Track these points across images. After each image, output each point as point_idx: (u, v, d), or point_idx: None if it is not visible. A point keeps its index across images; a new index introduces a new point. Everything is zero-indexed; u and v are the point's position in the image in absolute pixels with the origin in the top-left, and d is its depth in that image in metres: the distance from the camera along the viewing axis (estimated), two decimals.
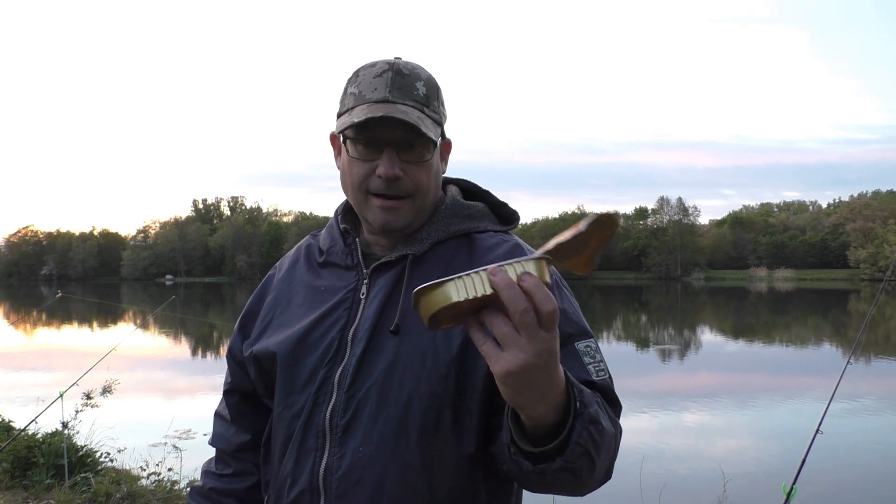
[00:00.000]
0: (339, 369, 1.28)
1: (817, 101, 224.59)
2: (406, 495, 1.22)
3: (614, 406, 1.23)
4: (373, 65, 1.31)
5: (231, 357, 1.51)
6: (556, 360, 0.94)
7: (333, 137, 1.38)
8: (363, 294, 1.33)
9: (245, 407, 1.51)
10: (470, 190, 1.48)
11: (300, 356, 1.32)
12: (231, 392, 1.53)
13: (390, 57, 1.34)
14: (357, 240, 1.39)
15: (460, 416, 1.24)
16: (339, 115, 1.33)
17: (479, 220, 1.41)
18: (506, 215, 1.47)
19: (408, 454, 1.22)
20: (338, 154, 1.37)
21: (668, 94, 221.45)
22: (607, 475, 1.17)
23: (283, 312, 1.41)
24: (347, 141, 1.30)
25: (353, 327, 1.30)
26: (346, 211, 1.45)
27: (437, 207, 1.39)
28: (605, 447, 1.08)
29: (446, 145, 1.40)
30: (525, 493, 1.40)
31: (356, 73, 1.32)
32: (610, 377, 1.26)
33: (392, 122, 1.23)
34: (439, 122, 1.32)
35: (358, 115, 1.25)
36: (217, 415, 1.57)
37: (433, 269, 1.31)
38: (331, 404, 1.27)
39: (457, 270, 1.27)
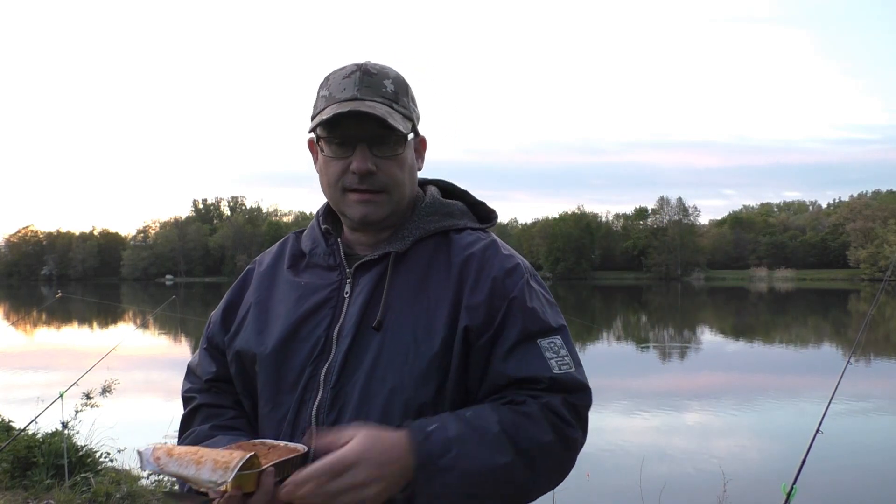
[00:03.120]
0: (325, 367, 1.30)
1: (819, 101, 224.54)
2: None
3: (581, 390, 1.30)
4: (342, 68, 1.37)
5: (213, 346, 1.50)
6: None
7: (311, 144, 1.42)
8: (347, 293, 1.36)
9: (230, 390, 1.48)
10: (449, 190, 1.53)
11: (287, 356, 1.34)
12: (215, 381, 1.48)
13: (361, 60, 1.38)
14: (339, 240, 1.42)
15: (440, 410, 1.27)
16: (311, 119, 1.37)
17: (459, 217, 1.45)
18: (484, 214, 1.51)
19: None
20: (315, 158, 1.42)
21: (670, 94, 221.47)
22: (545, 483, 1.27)
23: (264, 308, 1.43)
24: (322, 141, 1.34)
25: (339, 325, 1.33)
26: (326, 212, 1.49)
27: (416, 205, 1.43)
28: (477, 485, 1.18)
29: (421, 142, 1.44)
30: None
31: (327, 78, 1.38)
32: (576, 369, 1.31)
33: (360, 116, 1.28)
34: (409, 118, 1.36)
35: (327, 114, 1.29)
36: (191, 398, 1.50)
37: (415, 267, 1.35)
38: (317, 401, 1.29)
39: (438, 267, 1.36)
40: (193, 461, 1.14)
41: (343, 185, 1.34)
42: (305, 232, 1.51)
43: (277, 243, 1.56)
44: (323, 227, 1.45)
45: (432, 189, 1.49)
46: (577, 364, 1.32)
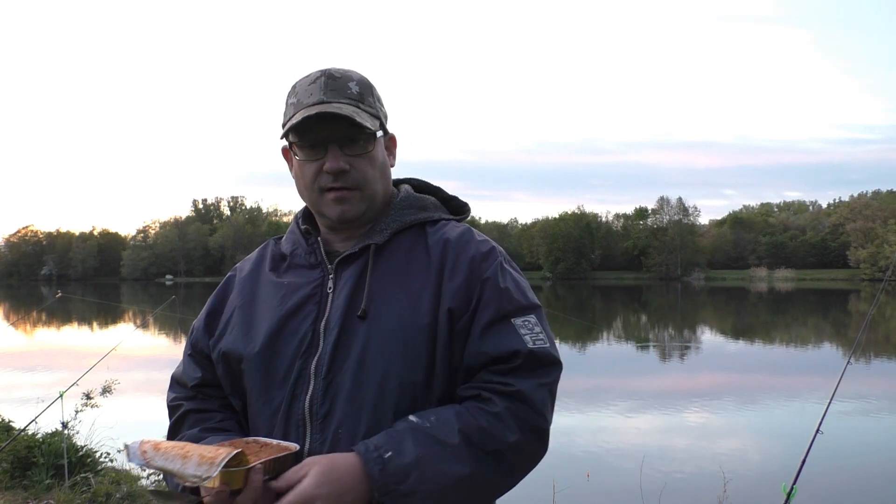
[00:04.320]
0: (315, 359, 1.33)
1: (820, 101, 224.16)
2: None
3: (549, 367, 1.34)
4: (307, 75, 1.41)
5: (197, 352, 1.52)
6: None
7: (285, 151, 1.46)
8: (330, 288, 1.39)
9: (217, 395, 1.50)
10: (421, 187, 1.58)
11: (275, 352, 1.37)
12: (201, 387, 1.50)
13: (327, 66, 1.43)
14: (319, 238, 1.46)
15: (431, 391, 1.31)
16: (283, 127, 1.41)
17: (433, 211, 1.50)
18: (457, 207, 1.57)
19: (385, 429, 1.28)
20: (290, 165, 1.46)
21: (670, 94, 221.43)
22: (531, 449, 1.30)
23: (248, 310, 1.46)
24: (294, 146, 1.39)
25: (325, 319, 1.36)
26: (305, 215, 1.53)
27: (391, 201, 1.48)
28: (442, 499, 1.22)
29: (392, 140, 1.49)
30: None
31: (294, 86, 1.42)
32: (551, 343, 1.37)
33: (328, 117, 1.32)
34: (377, 116, 1.41)
35: (296, 119, 1.34)
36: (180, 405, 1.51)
37: (395, 257, 1.40)
38: (309, 394, 1.32)
39: (417, 256, 1.41)
40: (180, 456, 1.14)
41: (319, 185, 1.38)
42: (285, 236, 1.55)
43: (256, 250, 1.59)
44: (303, 227, 1.49)
45: (406, 186, 1.55)
46: (551, 341, 1.37)
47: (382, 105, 1.46)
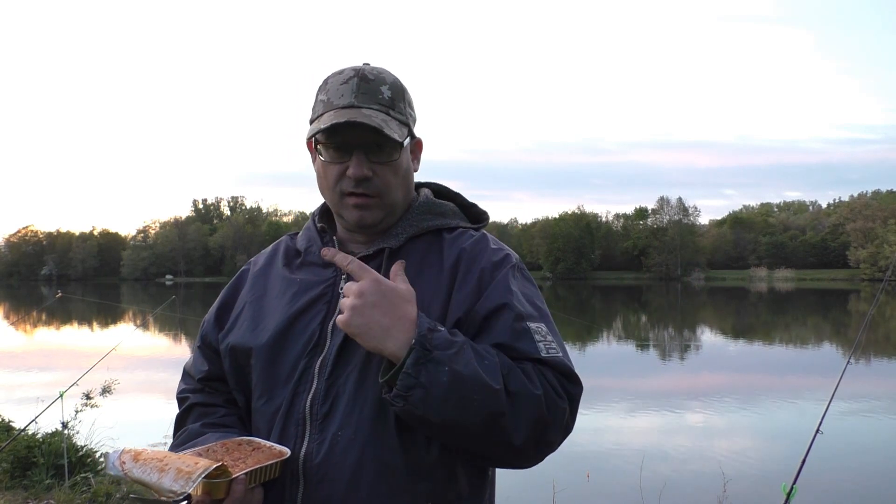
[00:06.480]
0: (319, 359, 1.32)
1: (820, 101, 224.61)
2: (385, 475, 1.26)
3: (570, 379, 1.29)
4: (340, 72, 1.38)
5: (206, 345, 1.52)
6: (380, 310, 1.20)
7: (310, 144, 1.44)
8: (342, 288, 1.37)
9: (223, 389, 1.50)
10: (442, 192, 1.56)
11: (282, 350, 1.36)
12: (207, 380, 1.51)
13: (360, 63, 1.40)
14: (334, 237, 1.45)
15: None
16: (311, 122, 1.39)
17: (451, 217, 1.48)
18: (476, 215, 1.55)
19: (386, 435, 1.27)
20: (314, 159, 1.43)
21: (671, 94, 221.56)
22: (523, 432, 1.20)
23: (259, 305, 1.45)
24: (320, 146, 1.36)
25: (333, 320, 1.34)
26: (322, 212, 1.52)
27: (410, 205, 1.46)
28: (462, 391, 1.16)
29: (417, 144, 1.47)
30: (503, 481, 1.48)
31: (325, 81, 1.39)
32: (564, 354, 1.31)
33: (357, 125, 1.29)
34: (405, 123, 1.38)
35: (325, 122, 1.31)
36: (185, 398, 1.52)
37: (408, 263, 1.37)
38: (311, 393, 1.31)
39: (430, 264, 1.39)
40: (157, 468, 1.13)
41: (341, 189, 1.37)
42: (300, 232, 1.54)
43: (271, 245, 1.58)
44: (319, 225, 1.48)
45: (426, 191, 1.53)
46: (565, 351, 1.32)
47: (413, 109, 1.44)
